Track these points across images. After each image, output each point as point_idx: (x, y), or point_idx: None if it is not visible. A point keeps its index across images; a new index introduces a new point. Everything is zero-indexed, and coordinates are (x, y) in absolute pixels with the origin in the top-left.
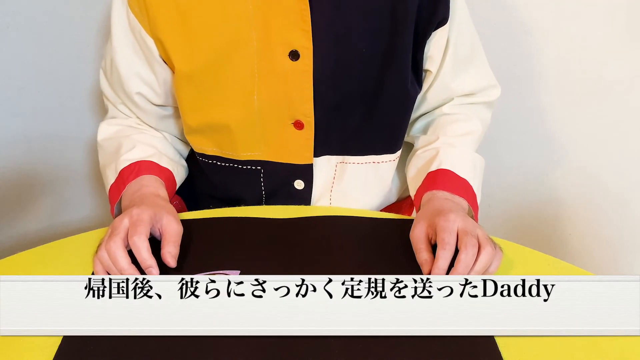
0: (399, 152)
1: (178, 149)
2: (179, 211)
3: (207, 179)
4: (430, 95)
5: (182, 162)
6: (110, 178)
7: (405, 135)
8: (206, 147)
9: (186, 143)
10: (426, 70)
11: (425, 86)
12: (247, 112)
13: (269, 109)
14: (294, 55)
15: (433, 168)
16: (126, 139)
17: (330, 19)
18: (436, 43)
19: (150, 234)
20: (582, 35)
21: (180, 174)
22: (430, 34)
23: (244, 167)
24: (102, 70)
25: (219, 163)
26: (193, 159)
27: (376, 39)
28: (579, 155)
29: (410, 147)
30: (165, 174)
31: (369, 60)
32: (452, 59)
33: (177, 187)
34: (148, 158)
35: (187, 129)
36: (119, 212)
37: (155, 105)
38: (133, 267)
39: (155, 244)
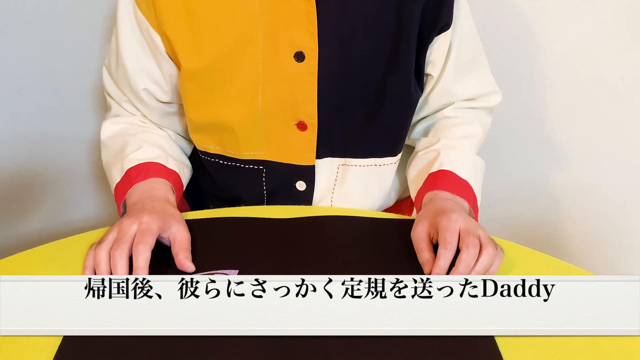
0: (400, 155)
1: (182, 147)
2: (180, 209)
3: (209, 178)
4: (431, 98)
5: (187, 162)
6: (116, 177)
7: (406, 138)
8: (209, 145)
9: (189, 141)
10: (427, 75)
11: (426, 90)
12: (251, 112)
13: (272, 109)
14: (299, 56)
15: (434, 169)
16: (132, 137)
17: (336, 21)
18: (438, 48)
19: (158, 241)
20: (583, 35)
21: (186, 175)
22: (433, 39)
23: (246, 166)
24: (105, 68)
25: (221, 162)
26: (196, 157)
27: (381, 42)
28: (579, 155)
29: (410, 149)
30: (173, 177)
31: (373, 63)
32: (454, 64)
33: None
34: (155, 160)
35: (190, 127)
36: (125, 210)
37: (161, 102)
38: None
39: (158, 250)
